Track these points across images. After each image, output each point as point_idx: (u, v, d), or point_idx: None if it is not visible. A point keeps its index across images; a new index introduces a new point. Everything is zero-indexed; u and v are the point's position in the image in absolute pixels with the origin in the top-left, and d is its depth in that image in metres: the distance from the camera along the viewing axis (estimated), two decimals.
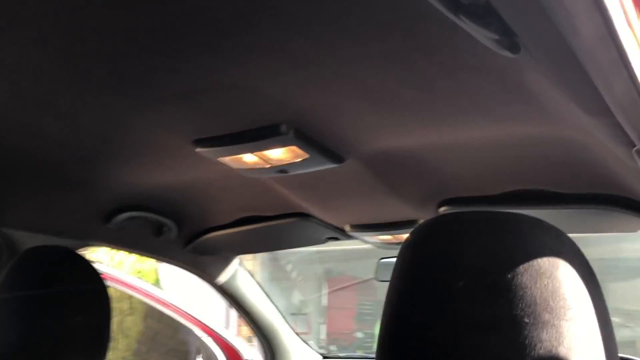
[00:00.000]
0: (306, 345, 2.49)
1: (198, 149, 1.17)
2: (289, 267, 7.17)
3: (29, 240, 1.51)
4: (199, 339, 2.84)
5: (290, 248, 1.94)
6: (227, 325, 6.00)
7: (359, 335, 7.03)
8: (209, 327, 2.77)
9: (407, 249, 0.76)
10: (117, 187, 1.48)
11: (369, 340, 6.36)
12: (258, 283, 2.25)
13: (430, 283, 0.70)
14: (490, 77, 0.87)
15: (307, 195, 1.45)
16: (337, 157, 1.18)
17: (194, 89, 0.96)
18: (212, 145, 1.16)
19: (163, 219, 1.69)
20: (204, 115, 1.06)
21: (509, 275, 0.67)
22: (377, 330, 0.77)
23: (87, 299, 1.27)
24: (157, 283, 5.76)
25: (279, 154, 1.16)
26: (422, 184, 1.35)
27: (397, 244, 1.68)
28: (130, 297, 4.11)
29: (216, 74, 0.91)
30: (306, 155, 1.15)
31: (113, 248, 1.70)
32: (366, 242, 1.71)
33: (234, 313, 6.17)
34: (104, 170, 1.37)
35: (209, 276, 2.05)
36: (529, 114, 0.97)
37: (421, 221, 1.53)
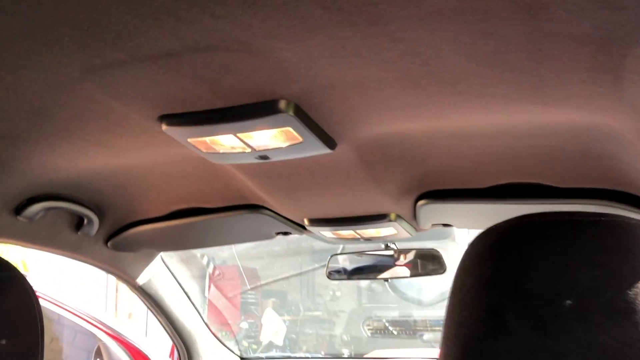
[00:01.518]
0: (224, 347, 2.29)
1: (165, 127, 0.95)
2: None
3: None
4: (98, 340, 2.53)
5: (233, 243, 1.73)
6: (106, 308, 5.63)
7: (244, 325, 6.89)
8: (109, 329, 2.48)
9: (485, 254, 0.64)
10: (34, 170, 1.19)
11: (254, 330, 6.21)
12: (178, 281, 2.01)
13: (526, 298, 0.59)
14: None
15: (267, 185, 1.26)
16: (330, 142, 1.01)
17: (167, 49, 0.75)
18: (183, 124, 0.94)
19: (84, 210, 1.41)
20: (177, 85, 0.84)
21: (631, 293, 0.55)
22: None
23: (13, 317, 1.00)
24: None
25: (267, 137, 0.97)
26: (405, 175, 1.22)
27: (356, 239, 1.53)
28: None
29: (201, 32, 0.70)
30: (299, 139, 0.97)
31: (20, 245, 1.40)
32: (322, 238, 1.55)
33: (110, 291, 5.78)
34: (19, 148, 1.09)
35: (128, 277, 1.78)
36: (553, 99, 0.87)
37: (392, 215, 1.41)
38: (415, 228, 1.51)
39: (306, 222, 1.44)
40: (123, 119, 0.96)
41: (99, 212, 1.46)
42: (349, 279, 1.82)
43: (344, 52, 0.74)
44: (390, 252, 1.77)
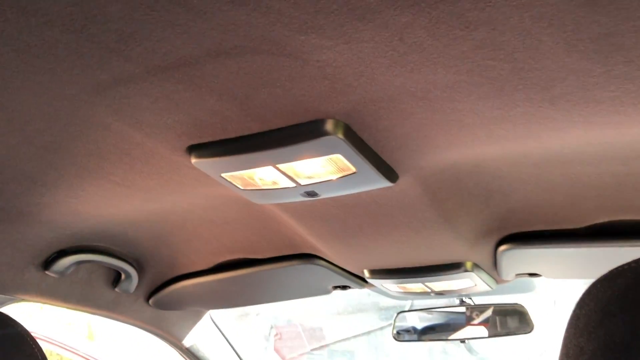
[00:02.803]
0: None
1: (194, 160, 0.80)
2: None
3: None
4: None
5: (285, 299, 1.54)
6: None
7: None
8: None
9: (611, 308, 0.48)
10: (59, 219, 1.06)
11: None
12: (230, 343, 1.83)
13: None
14: None
15: (319, 230, 1.08)
16: (391, 173, 0.84)
17: (183, 56, 0.60)
18: (213, 155, 0.79)
19: (120, 263, 1.27)
20: (201, 104, 0.69)
21: None
22: None
23: None
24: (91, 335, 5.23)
25: (313, 168, 0.80)
26: (483, 214, 1.02)
27: (426, 294, 1.32)
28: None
29: (221, 28, 0.55)
30: (352, 170, 0.80)
31: (51, 304, 1.27)
32: (386, 292, 1.35)
33: None
34: (39, 193, 0.96)
35: (173, 338, 1.62)
36: None
37: (468, 264, 1.20)
38: (495, 279, 1.29)
39: (366, 273, 1.25)
40: (148, 154, 0.82)
41: (138, 265, 1.32)
42: (419, 340, 1.60)
43: (402, 47, 0.58)
44: (466, 309, 1.55)
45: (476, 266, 1.19)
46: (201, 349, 1.71)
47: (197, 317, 1.66)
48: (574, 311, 0.51)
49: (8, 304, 1.22)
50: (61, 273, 1.19)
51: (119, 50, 0.59)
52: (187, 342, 1.65)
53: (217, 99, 0.68)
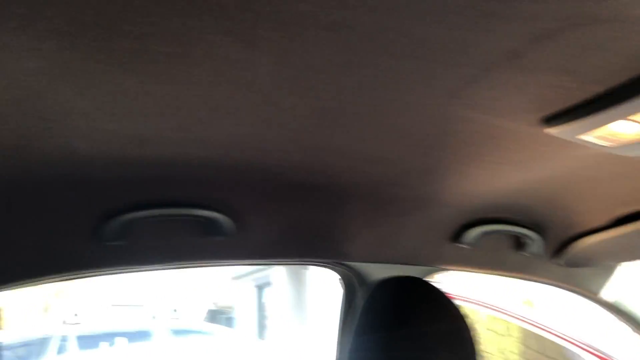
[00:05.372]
0: None
1: (547, 130, 0.88)
2: None
3: (375, 271, 1.40)
4: None
5: None
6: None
7: None
8: (599, 352, 2.33)
9: None
10: (459, 200, 1.27)
11: None
12: None
13: None
14: None
15: None
16: None
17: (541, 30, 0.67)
18: (567, 121, 0.85)
19: (522, 230, 1.40)
20: (547, 83, 0.77)
21: None
22: None
23: (449, 335, 1.08)
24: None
25: None
26: None
27: None
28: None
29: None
30: None
31: (465, 270, 1.48)
32: None
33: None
34: (440, 183, 1.17)
35: (587, 292, 1.66)
36: None
37: None
38: None
39: None
40: (508, 133, 0.94)
41: (538, 229, 1.43)
42: None
43: None
44: None
45: None
46: (624, 302, 1.70)
47: (609, 271, 1.66)
48: None
49: (431, 275, 1.48)
50: (470, 244, 1.39)
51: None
52: (604, 294, 1.67)
53: (556, 75, 0.75)
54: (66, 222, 1.09)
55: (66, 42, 0.63)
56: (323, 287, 8.94)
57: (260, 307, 12.45)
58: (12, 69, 0.66)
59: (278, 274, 11.17)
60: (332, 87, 0.79)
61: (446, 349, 1.06)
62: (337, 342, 1.48)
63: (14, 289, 1.16)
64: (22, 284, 1.15)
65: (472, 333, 1.08)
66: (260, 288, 12.38)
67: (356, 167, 1.09)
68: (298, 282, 10.59)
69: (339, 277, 1.51)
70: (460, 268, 1.47)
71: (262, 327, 12.12)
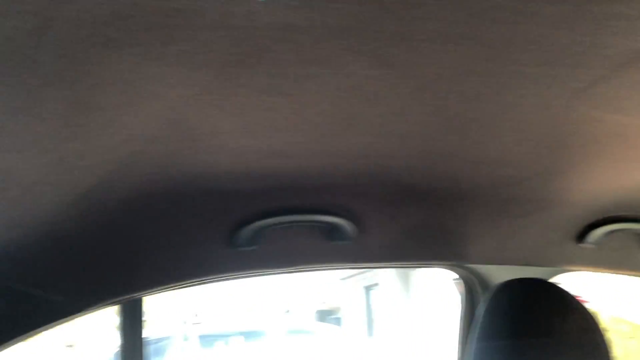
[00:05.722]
0: None
1: None
2: None
3: (496, 273, 1.39)
4: None
5: None
6: None
7: None
8: None
9: None
10: (587, 198, 1.24)
11: None
12: None
13: None
14: None
15: None
16: None
17: None
18: None
19: None
20: None
21: None
22: None
23: (581, 342, 1.05)
24: None
25: None
26: None
27: None
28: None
29: None
30: None
31: (589, 270, 1.44)
32: None
33: None
34: (567, 181, 1.16)
35: None
36: None
37: None
38: None
39: None
40: (637, 131, 0.92)
41: None
42: None
43: None
44: None
45: None
46: None
47: None
48: None
49: (553, 276, 1.45)
50: (595, 243, 1.35)
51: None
52: None
53: None
54: (204, 231, 1.18)
55: (219, 72, 0.69)
56: (429, 288, 8.85)
57: (368, 307, 12.50)
58: (170, 96, 0.74)
59: (385, 275, 11.17)
60: (455, 95, 0.81)
61: (578, 358, 1.03)
62: (459, 344, 1.49)
63: (157, 293, 1.27)
64: (164, 289, 1.25)
65: (606, 340, 1.05)
66: (367, 289, 12.44)
67: (478, 169, 1.09)
68: (405, 283, 10.53)
69: (458, 278, 1.52)
70: (584, 268, 1.44)
71: (370, 327, 12.17)
